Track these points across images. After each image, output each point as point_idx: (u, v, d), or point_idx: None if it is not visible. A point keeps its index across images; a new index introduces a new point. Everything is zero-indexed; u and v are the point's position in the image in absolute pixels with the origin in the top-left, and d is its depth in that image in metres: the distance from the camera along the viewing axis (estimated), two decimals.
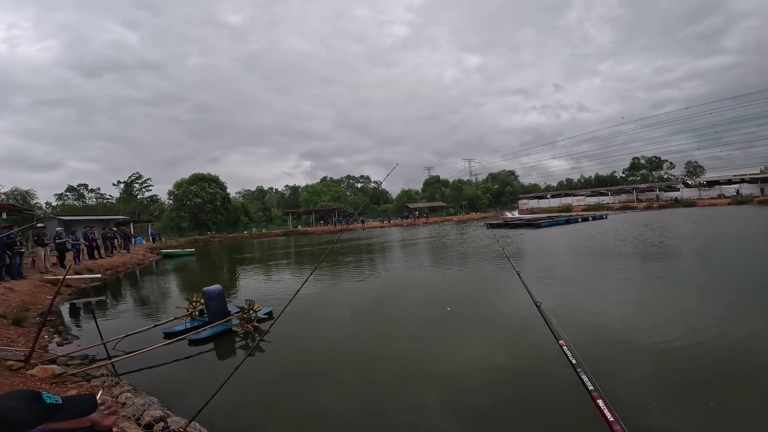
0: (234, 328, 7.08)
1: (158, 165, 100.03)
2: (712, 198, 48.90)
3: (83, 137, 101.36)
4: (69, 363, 5.39)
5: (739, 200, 43.20)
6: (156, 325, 7.13)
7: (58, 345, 6.75)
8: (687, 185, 57.72)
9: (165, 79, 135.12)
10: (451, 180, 79.53)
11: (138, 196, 54.56)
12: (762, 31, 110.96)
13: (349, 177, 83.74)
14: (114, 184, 55.02)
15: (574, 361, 2.09)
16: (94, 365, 5.27)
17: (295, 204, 69.73)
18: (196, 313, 7.77)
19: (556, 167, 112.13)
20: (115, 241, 21.91)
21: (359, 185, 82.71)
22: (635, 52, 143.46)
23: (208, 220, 49.05)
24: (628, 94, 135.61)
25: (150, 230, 36.65)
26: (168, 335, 6.88)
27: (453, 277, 11.95)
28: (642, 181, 67.14)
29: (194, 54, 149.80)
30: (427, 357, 5.44)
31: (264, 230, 52.00)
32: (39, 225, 14.36)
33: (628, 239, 17.69)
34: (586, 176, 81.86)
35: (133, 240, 27.51)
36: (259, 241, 39.73)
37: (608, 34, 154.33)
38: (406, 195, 75.29)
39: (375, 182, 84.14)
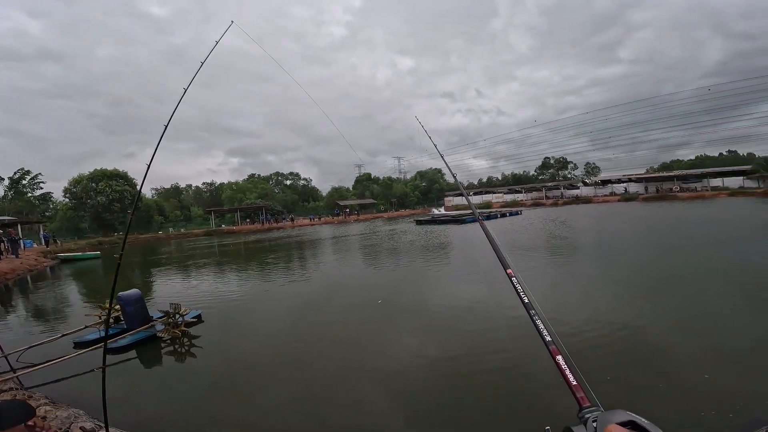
0: (159, 334, 6.58)
1: (60, 161, 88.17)
2: (605, 195, 55.86)
3: None
4: None
5: (627, 198, 49.97)
6: (64, 335, 6.36)
7: None
8: (585, 184, 65.16)
9: (69, 70, 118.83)
10: (381, 177, 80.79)
11: (27, 194, 47.22)
12: (654, 43, 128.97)
13: (278, 174, 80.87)
14: None
15: (542, 328, 2.29)
16: None
17: (217, 202, 65.55)
18: (111, 320, 7.07)
19: (478, 166, 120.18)
20: (1, 245, 18.85)
21: (288, 182, 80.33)
22: (548, 60, 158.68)
23: (115, 220, 44.09)
24: (540, 100, 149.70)
25: (42, 232, 31.99)
26: (79, 345, 6.19)
27: (384, 272, 12.31)
28: (550, 180, 74.56)
29: (107, 45, 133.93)
30: (364, 353, 5.52)
31: (182, 230, 48.21)
32: None
33: (538, 233, 19.71)
34: (506, 174, 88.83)
35: (22, 243, 23.86)
36: (178, 242, 36.75)
37: (527, 42, 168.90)
38: (337, 192, 74.95)
39: (305, 179, 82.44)
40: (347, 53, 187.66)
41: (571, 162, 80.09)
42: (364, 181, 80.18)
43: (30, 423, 1.30)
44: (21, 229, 27.90)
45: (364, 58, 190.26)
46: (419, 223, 34.27)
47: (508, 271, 1.61)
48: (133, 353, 6.04)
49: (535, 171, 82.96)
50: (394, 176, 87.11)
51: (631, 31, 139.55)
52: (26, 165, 62.58)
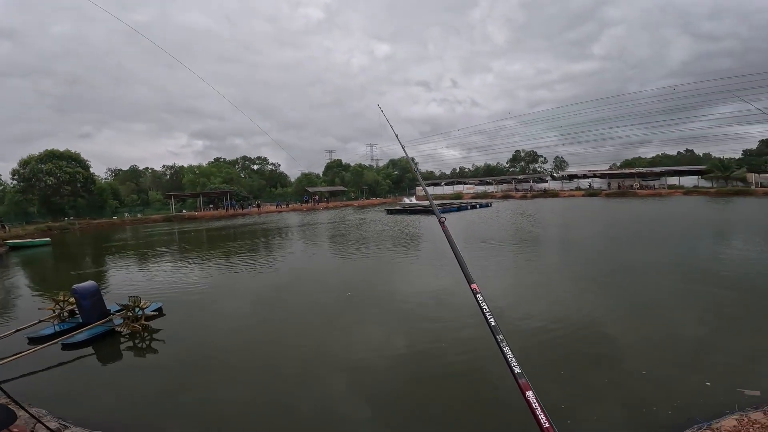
0: (117, 329, 6.38)
1: (8, 141, 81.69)
2: (571, 190, 58.12)
3: None
4: None
5: (590, 193, 52.21)
6: (18, 330, 6.05)
7: None
8: (553, 178, 67.50)
9: (20, 47, 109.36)
10: (352, 165, 80.00)
11: None
12: (626, 40, 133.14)
13: (245, 158, 78.25)
14: None
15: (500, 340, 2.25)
16: None
17: (178, 186, 62.78)
18: (65, 314, 6.81)
19: (450, 156, 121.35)
20: None
21: (255, 167, 77.99)
22: (523, 53, 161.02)
23: (65, 204, 41.38)
24: (513, 93, 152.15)
25: None
26: (34, 340, 5.93)
27: (353, 263, 12.44)
28: (520, 173, 76.59)
29: (63, 22, 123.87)
30: (330, 344, 5.64)
31: (139, 215, 46.01)
32: None
33: (506, 226, 20.39)
34: (478, 165, 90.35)
35: None
36: (134, 228, 35.09)
37: (504, 34, 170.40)
38: (306, 178, 73.63)
39: (273, 164, 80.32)
40: (322, 37, 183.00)
41: (542, 156, 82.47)
42: (335, 167, 79.16)
43: (15, 430, 1.30)
44: None
45: (339, 43, 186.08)
46: (390, 212, 34.41)
47: (473, 286, 1.48)
48: (90, 349, 5.84)
49: (507, 163, 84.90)
50: (366, 164, 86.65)
51: (604, 28, 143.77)
52: None
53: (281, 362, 5.15)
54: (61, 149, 42.95)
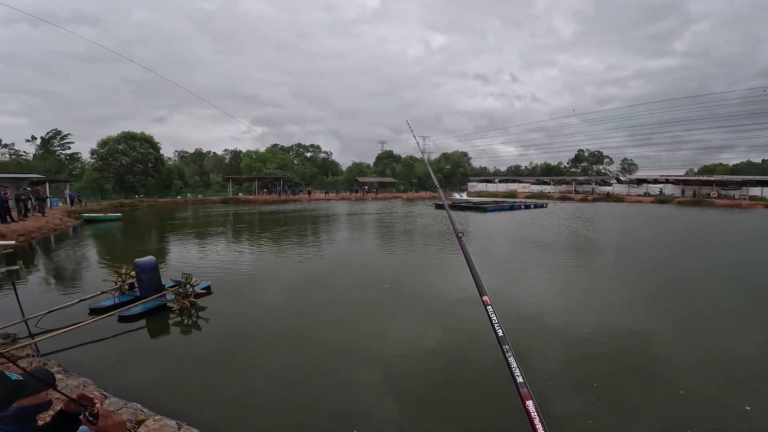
0: (169, 304, 6.69)
1: (91, 122, 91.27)
2: (639, 195, 53.81)
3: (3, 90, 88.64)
4: None
5: (660, 199, 47.88)
6: (81, 300, 6.51)
7: None
8: (619, 181, 62.83)
9: (104, 33, 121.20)
10: (403, 156, 79.77)
11: (57, 154, 48.62)
12: (711, 36, 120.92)
13: (299, 145, 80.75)
14: (28, 140, 48.42)
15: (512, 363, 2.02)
16: (17, 345, 4.77)
17: (236, 170, 66.17)
18: (126, 287, 7.25)
19: (506, 153, 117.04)
20: (29, 202, 19.46)
21: (309, 154, 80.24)
22: (592, 47, 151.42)
23: (137, 182, 45.12)
24: (579, 88, 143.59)
25: (68, 191, 32.98)
26: (95, 311, 6.33)
27: (395, 256, 12.40)
28: (582, 174, 72.10)
29: (142, 9, 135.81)
30: (363, 336, 5.63)
31: (200, 196, 49.06)
32: None
33: (560, 229, 19.18)
34: (536, 163, 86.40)
35: (48, 202, 24.64)
36: (194, 208, 37.46)
37: (571, 27, 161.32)
38: (357, 168, 74.58)
39: (326, 152, 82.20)
40: (376, 26, 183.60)
41: (607, 157, 77.02)
42: (386, 158, 79.39)
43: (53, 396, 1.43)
44: (49, 187, 28.77)
45: (394, 32, 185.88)
46: (438, 207, 33.87)
47: (484, 298, 1.46)
48: (142, 322, 6.15)
49: (568, 163, 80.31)
50: (417, 156, 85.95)
51: (687, 23, 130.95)
52: (58, 125, 64.24)
53: (313, 347, 5.20)
54: (137, 131, 46.81)
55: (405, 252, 12.99)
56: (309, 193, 54.76)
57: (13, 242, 13.18)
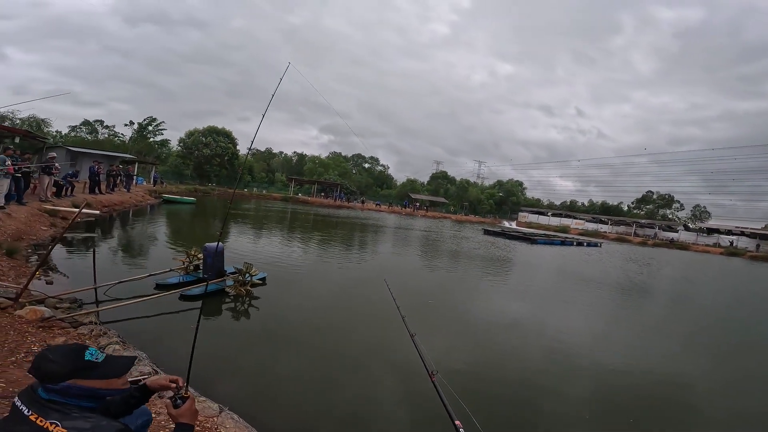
0: (227, 289, 7.15)
1: (185, 115, 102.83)
2: (707, 245, 49.10)
3: (118, 79, 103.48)
4: (58, 306, 5.16)
5: (731, 252, 43.32)
6: (150, 275, 7.05)
7: (47, 284, 6.25)
8: (687, 228, 57.80)
9: (207, 37, 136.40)
10: (458, 179, 79.28)
11: (149, 138, 54.27)
12: None
13: (358, 155, 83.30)
14: (126, 124, 54.56)
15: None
16: (83, 311, 5.13)
17: (299, 172, 69.55)
18: (192, 267, 7.76)
19: (563, 187, 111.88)
20: (118, 178, 21.97)
21: (367, 165, 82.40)
22: (672, 85, 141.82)
23: (212, 172, 49.06)
24: (653, 127, 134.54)
25: (153, 172, 36.64)
26: (160, 287, 6.87)
27: (438, 273, 12.53)
28: (646, 216, 67.05)
29: (240, 17, 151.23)
30: (392, 344, 5.66)
31: (264, 191, 52.07)
32: (51, 154, 14.34)
33: (611, 270, 18.15)
34: (594, 201, 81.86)
35: (135, 179, 27.57)
36: (257, 201, 39.87)
37: (651, 63, 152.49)
38: (411, 184, 75.22)
39: (382, 165, 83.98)
40: (446, 51, 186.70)
41: (678, 201, 71.23)
42: (440, 178, 79.37)
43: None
44: (137, 167, 32.21)
45: (462, 58, 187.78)
46: (487, 233, 33.22)
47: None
48: (200, 303, 6.65)
49: (632, 203, 75.25)
50: (472, 180, 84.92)
51: None
52: (155, 113, 71.45)
53: (346, 349, 5.44)
54: (220, 127, 51.34)
55: (448, 270, 13.16)
56: (362, 202, 56.04)
57: (97, 212, 14.93)
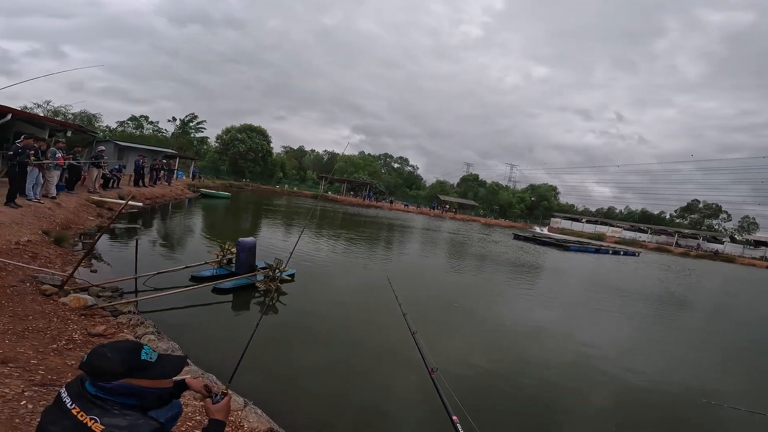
0: (257, 284, 7.29)
1: (223, 113, 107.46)
2: (753, 258, 45.93)
3: (163, 77, 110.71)
4: (100, 294, 5.34)
5: None
6: (187, 267, 7.31)
7: (92, 272, 6.53)
8: (734, 240, 54.36)
9: (245, 37, 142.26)
10: (488, 182, 77.84)
11: (190, 135, 56.51)
12: None
13: (386, 155, 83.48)
14: (169, 120, 56.99)
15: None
16: (123, 300, 5.30)
17: (329, 170, 70.45)
18: (225, 261, 7.99)
19: (599, 193, 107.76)
20: (161, 172, 22.96)
21: (396, 165, 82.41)
22: (720, 90, 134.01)
23: (246, 168, 50.56)
24: (699, 133, 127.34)
25: (192, 167, 38.14)
26: (194, 279, 7.11)
27: (464, 276, 12.41)
28: (689, 227, 63.48)
29: (276, 18, 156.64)
30: (411, 346, 5.67)
31: (295, 188, 53.13)
32: (101, 148, 15.16)
33: (648, 280, 17.49)
34: (633, 208, 78.35)
35: (175, 174, 28.75)
36: (288, 198, 40.70)
37: (697, 67, 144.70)
38: (440, 186, 74.58)
39: (412, 166, 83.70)
40: (478, 53, 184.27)
41: (725, 212, 67.00)
42: (471, 181, 78.21)
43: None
44: (178, 162, 33.60)
45: (495, 60, 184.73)
46: (517, 237, 32.36)
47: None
48: (231, 296, 6.79)
49: (675, 212, 71.44)
50: (503, 183, 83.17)
51: None
52: (196, 111, 74.41)
53: (366, 348, 5.49)
54: (256, 125, 52.91)
55: (475, 274, 13.01)
56: (391, 202, 56.06)
57: (141, 204, 15.67)
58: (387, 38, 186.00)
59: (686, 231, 57.82)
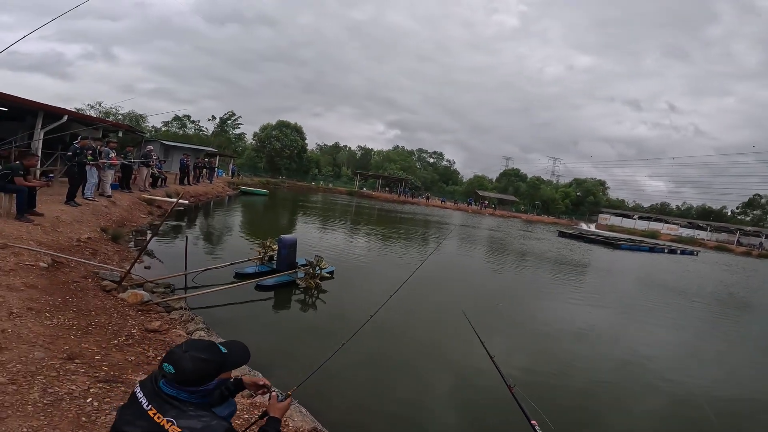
0: (298, 281, 7.41)
1: (262, 110, 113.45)
2: None
3: (205, 77, 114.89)
4: (154, 290, 5.54)
5: None
6: (232, 264, 7.49)
7: (145, 268, 6.72)
8: None
9: (278, 34, 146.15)
10: (529, 176, 75.11)
11: (228, 133, 58.61)
12: None
13: (420, 150, 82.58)
14: (209, 119, 59.40)
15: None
16: (174, 296, 5.50)
17: (364, 166, 70.74)
18: (267, 257, 8.11)
19: (653, 188, 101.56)
20: (204, 170, 23.92)
21: (431, 160, 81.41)
22: None
23: (282, 165, 51.74)
24: (762, 123, 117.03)
25: (231, 165, 39.52)
26: (239, 276, 7.28)
27: (504, 275, 12.22)
28: (752, 223, 58.53)
29: (308, 14, 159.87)
30: (451, 347, 5.68)
31: (330, 185, 53.81)
32: (150, 148, 15.98)
33: (707, 280, 16.61)
34: (691, 204, 73.33)
35: (216, 172, 29.92)
36: (324, 195, 41.32)
37: (757, 54, 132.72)
38: (478, 181, 72.86)
39: (448, 161, 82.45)
40: (516, 43, 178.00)
41: None
42: (511, 175, 75.80)
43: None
44: (218, 160, 34.91)
45: (534, 51, 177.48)
46: (562, 234, 31.07)
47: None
48: (272, 293, 6.89)
49: (736, 208, 66.09)
50: (545, 177, 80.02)
51: None
52: (236, 109, 77.24)
53: (399, 346, 5.44)
54: (291, 122, 53.97)
55: (517, 273, 12.76)
56: (427, 198, 55.51)
57: (187, 201, 16.36)
58: (420, 31, 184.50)
59: (749, 228, 53.30)
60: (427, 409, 4.01)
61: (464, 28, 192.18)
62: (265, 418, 1.53)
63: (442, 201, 56.32)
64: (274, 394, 1.55)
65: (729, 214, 66.33)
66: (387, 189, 57.26)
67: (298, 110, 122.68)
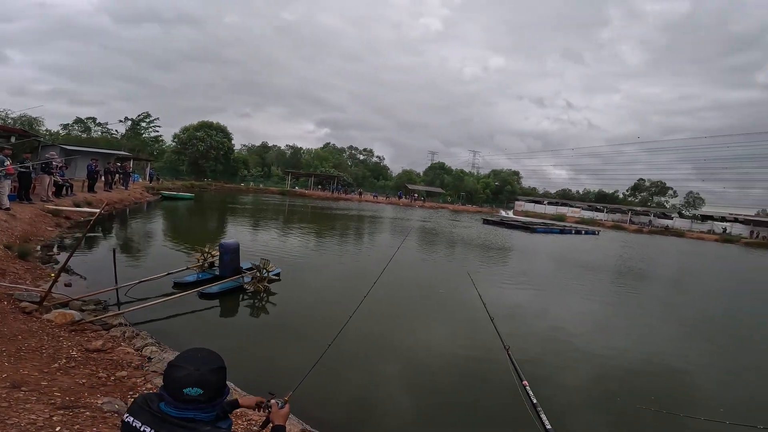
0: (245, 286, 7.17)
1: (185, 112, 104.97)
2: (701, 232, 49.75)
3: (115, 78, 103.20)
4: (83, 308, 5.15)
5: (726, 239, 43.95)
6: (169, 274, 6.98)
7: (66, 285, 6.04)
8: (682, 216, 58.38)
9: (201, 34, 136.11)
10: (454, 169, 79.11)
11: (143, 135, 53.38)
12: None
13: (351, 147, 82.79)
14: (121, 121, 53.32)
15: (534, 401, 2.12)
16: (109, 313, 5.12)
17: (295, 165, 69.01)
18: (207, 264, 7.71)
19: (557, 176, 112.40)
20: (116, 176, 21.70)
21: (361, 157, 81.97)
22: (662, 76, 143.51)
23: (208, 167, 48.57)
24: (644, 117, 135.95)
25: (148, 169, 36.16)
26: (178, 285, 6.89)
27: (435, 262, 12.86)
28: (640, 204, 67.55)
29: (233, 13, 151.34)
30: (394, 333, 6.06)
31: (261, 185, 51.76)
32: (51, 153, 14.11)
33: (610, 257, 18.91)
34: (589, 189, 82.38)
35: (131, 177, 27.27)
36: (255, 195, 39.69)
37: (639, 55, 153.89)
38: (407, 175, 74.95)
39: (378, 157, 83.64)
40: (439, 45, 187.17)
41: (671, 188, 71.85)
42: (437, 169, 79.15)
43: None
44: (133, 164, 31.77)
45: (455, 52, 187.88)
46: (486, 222, 33.38)
47: None
48: (218, 301, 6.61)
49: (627, 191, 75.85)
50: (467, 170, 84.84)
51: None
52: (154, 111, 69.99)
53: (351, 338, 5.36)
54: (213, 122, 50.65)
55: (447, 260, 13.52)
56: (360, 194, 55.85)
57: (98, 211, 14.75)
58: (350, 32, 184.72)
59: (638, 208, 61.56)
60: (390, 400, 4.24)
61: (392, 29, 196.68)
62: (268, 426, 1.53)
63: (374, 196, 57.00)
64: (274, 402, 1.56)
65: (621, 196, 75.98)
66: (320, 187, 56.59)
67: (226, 111, 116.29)
